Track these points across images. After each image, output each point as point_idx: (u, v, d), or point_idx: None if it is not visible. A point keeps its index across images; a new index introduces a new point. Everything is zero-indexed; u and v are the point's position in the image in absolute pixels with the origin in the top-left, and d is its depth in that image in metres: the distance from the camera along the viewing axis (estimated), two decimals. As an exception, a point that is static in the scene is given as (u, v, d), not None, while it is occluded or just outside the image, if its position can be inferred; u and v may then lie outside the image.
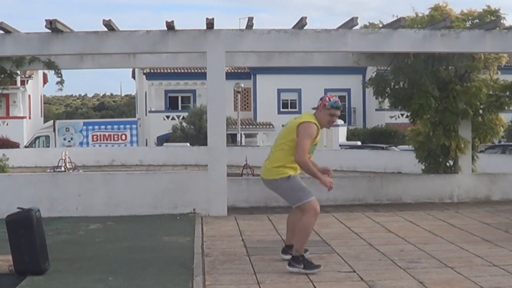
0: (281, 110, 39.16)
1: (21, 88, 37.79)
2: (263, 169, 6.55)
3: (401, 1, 75.40)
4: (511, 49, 11.23)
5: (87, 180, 10.91)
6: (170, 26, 10.20)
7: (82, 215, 10.12)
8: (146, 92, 42.23)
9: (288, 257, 6.35)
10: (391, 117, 35.87)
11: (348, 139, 31.25)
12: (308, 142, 6.27)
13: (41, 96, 46.67)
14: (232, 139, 32.52)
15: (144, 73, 40.09)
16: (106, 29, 10.21)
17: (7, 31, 10.17)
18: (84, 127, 36.89)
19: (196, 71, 34.67)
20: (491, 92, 12.35)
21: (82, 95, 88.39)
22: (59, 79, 12.94)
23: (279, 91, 38.85)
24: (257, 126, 39.02)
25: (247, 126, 38.14)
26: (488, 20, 11.32)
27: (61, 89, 13.22)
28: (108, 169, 23.87)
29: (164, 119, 39.61)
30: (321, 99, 6.49)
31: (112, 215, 10.10)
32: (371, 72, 18.34)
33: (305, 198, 6.32)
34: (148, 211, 10.30)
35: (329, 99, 6.40)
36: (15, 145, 31.49)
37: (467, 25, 11.63)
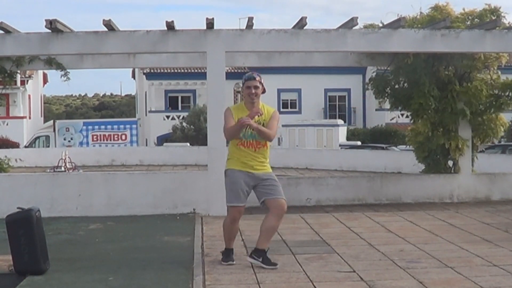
0: (281, 110, 39.04)
1: (21, 88, 37.77)
2: None
3: (399, 1, 75.46)
4: (511, 49, 11.24)
5: (87, 180, 10.91)
6: (170, 26, 10.20)
7: (82, 215, 10.12)
8: (146, 92, 42.22)
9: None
10: (391, 119, 35.88)
11: (348, 139, 31.22)
12: (226, 125, 6.34)
13: (41, 96, 46.68)
14: (232, 139, 32.43)
15: (144, 73, 40.06)
16: (106, 29, 10.21)
17: (7, 31, 10.18)
18: (84, 127, 36.86)
19: (196, 71, 34.61)
20: (491, 92, 12.34)
21: (82, 95, 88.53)
22: (63, 73, 12.90)
23: (279, 91, 38.82)
24: (257, 126, 38.92)
25: (247, 126, 38.02)
26: (488, 19, 11.32)
27: (67, 79, 13.09)
28: (108, 169, 23.86)
29: (164, 119, 39.58)
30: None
31: (112, 215, 10.10)
32: (371, 72, 18.35)
33: (230, 200, 6.43)
34: (148, 211, 10.30)
35: (244, 76, 6.45)
36: (15, 145, 31.48)
37: (467, 25, 11.63)
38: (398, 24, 10.41)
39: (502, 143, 23.78)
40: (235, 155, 6.39)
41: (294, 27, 10.55)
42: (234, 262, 6.51)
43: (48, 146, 34.08)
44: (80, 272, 6.33)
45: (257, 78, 6.39)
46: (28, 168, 23.03)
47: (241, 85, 6.60)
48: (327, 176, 15.91)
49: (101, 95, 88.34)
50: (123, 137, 36.46)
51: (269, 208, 6.37)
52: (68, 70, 12.99)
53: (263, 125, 6.35)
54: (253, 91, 6.36)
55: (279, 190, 6.36)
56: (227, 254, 6.60)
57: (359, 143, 30.01)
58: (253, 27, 10.39)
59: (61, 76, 12.92)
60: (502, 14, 11.52)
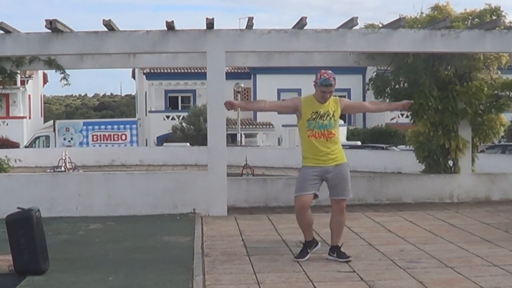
0: (282, 110, 39.09)
1: (21, 88, 37.79)
2: None
3: (399, 1, 75.43)
4: (511, 49, 11.24)
5: (87, 180, 10.91)
6: (170, 26, 10.20)
7: (82, 215, 10.11)
8: (146, 92, 42.24)
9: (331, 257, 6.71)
10: (391, 119, 35.92)
11: (348, 139, 31.26)
12: (284, 103, 6.85)
13: (41, 96, 46.70)
14: (232, 139, 32.50)
15: (144, 73, 40.10)
16: (106, 29, 10.21)
17: (7, 31, 10.17)
18: (84, 127, 36.88)
19: (196, 71, 34.65)
20: (491, 92, 12.33)
21: (82, 95, 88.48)
22: (62, 75, 12.88)
23: (279, 91, 38.81)
24: (257, 126, 39.03)
25: (247, 126, 38.12)
26: (488, 19, 11.32)
27: (67, 84, 13.09)
28: (108, 169, 23.85)
29: (164, 119, 39.61)
30: (316, 74, 6.52)
31: (112, 215, 10.09)
32: (371, 72, 18.33)
33: (295, 192, 6.71)
34: (148, 211, 10.30)
35: (320, 76, 6.45)
36: (15, 145, 31.48)
37: (467, 25, 11.63)
38: (398, 24, 10.41)
39: (502, 143, 23.78)
40: (308, 152, 6.58)
41: (294, 27, 10.55)
42: (306, 258, 6.65)
43: (48, 146, 34.09)
44: (80, 272, 6.32)
45: (333, 83, 6.44)
46: (28, 168, 23.01)
47: (312, 79, 6.55)
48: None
49: (101, 95, 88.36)
50: (123, 137, 36.48)
51: (331, 205, 6.78)
52: (68, 73, 12.98)
53: (333, 115, 6.52)
54: (328, 95, 6.50)
55: (341, 187, 6.65)
56: (304, 250, 6.75)
57: (359, 143, 30.06)
58: (253, 27, 10.39)
59: (60, 80, 12.91)
60: (503, 14, 11.53)
